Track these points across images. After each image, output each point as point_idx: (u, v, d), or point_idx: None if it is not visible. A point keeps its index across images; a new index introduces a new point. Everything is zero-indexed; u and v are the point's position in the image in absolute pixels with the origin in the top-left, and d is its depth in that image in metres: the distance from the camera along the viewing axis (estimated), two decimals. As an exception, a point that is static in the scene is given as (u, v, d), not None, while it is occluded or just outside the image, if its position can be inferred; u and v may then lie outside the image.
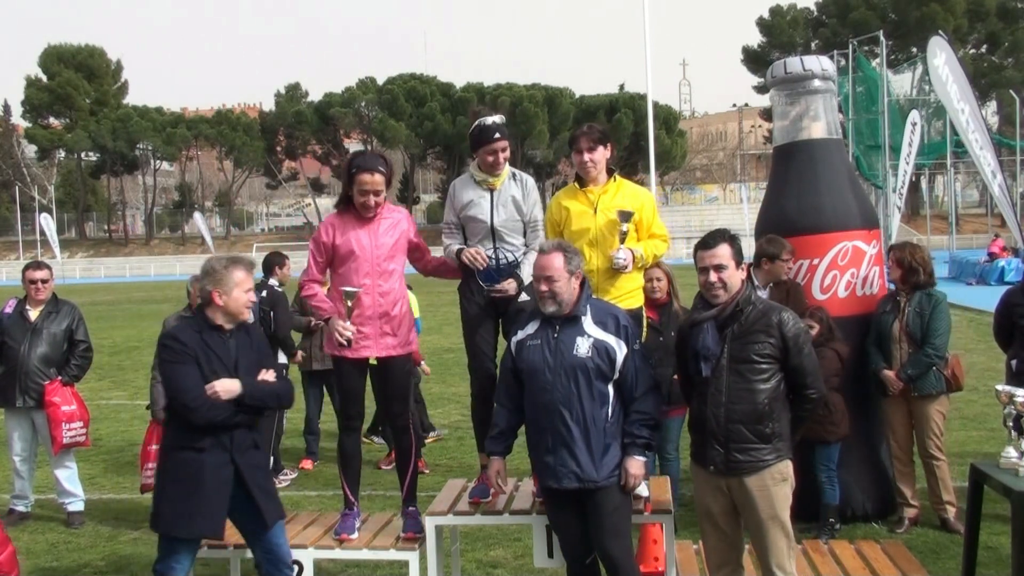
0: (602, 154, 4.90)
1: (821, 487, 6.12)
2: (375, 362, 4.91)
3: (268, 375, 4.48)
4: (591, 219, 4.87)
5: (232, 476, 4.37)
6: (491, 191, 4.90)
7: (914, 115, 32.67)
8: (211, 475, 4.32)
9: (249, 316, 4.49)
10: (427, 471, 8.11)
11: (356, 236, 4.83)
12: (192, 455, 4.32)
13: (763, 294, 6.29)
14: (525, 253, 4.93)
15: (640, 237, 4.94)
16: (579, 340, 4.21)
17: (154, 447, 6.77)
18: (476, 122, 4.89)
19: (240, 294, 4.39)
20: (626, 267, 4.79)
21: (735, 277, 4.15)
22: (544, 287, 4.22)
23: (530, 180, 5.06)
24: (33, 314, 7.22)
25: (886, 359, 6.26)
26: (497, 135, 4.81)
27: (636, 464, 4.23)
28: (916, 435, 6.34)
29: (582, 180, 4.97)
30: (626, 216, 4.77)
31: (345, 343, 4.78)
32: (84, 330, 7.40)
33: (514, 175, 4.98)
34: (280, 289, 8.34)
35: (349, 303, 4.75)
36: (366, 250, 4.82)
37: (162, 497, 4.43)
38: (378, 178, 4.78)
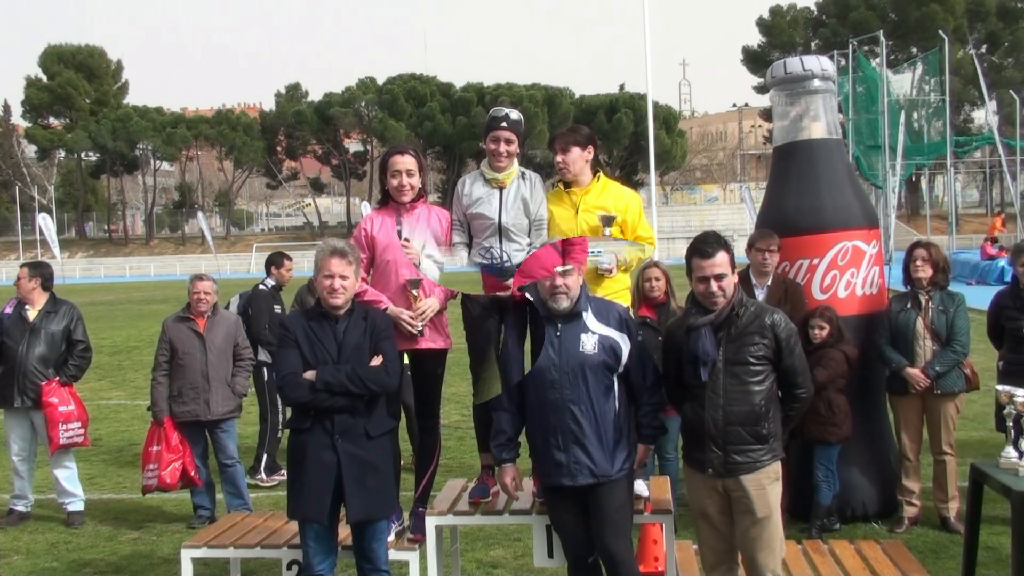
0: (578, 155, 4.92)
1: (816, 486, 6.13)
2: (407, 359, 4.89)
3: (375, 361, 4.45)
4: (572, 220, 4.89)
5: (334, 462, 4.37)
6: (500, 189, 4.91)
7: (901, 115, 32.78)
8: (312, 458, 4.38)
9: (335, 300, 4.43)
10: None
11: (394, 228, 4.85)
12: (298, 438, 4.46)
13: (760, 294, 6.30)
14: (528, 253, 4.91)
15: (626, 239, 4.94)
16: (584, 337, 4.23)
17: (155, 448, 6.78)
18: (491, 110, 4.98)
19: (320, 279, 4.47)
20: (610, 271, 4.81)
21: (732, 283, 4.20)
22: (559, 281, 4.23)
23: (538, 179, 5.06)
24: (32, 314, 7.22)
25: (906, 357, 6.22)
26: (504, 124, 4.83)
27: (643, 450, 4.36)
28: (930, 432, 6.34)
29: (566, 182, 5.00)
30: (608, 220, 4.80)
31: (417, 333, 4.76)
32: (83, 330, 7.40)
33: (523, 174, 4.98)
34: (265, 289, 8.34)
35: (415, 291, 4.74)
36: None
37: (288, 478, 4.65)
38: (408, 159, 4.83)
